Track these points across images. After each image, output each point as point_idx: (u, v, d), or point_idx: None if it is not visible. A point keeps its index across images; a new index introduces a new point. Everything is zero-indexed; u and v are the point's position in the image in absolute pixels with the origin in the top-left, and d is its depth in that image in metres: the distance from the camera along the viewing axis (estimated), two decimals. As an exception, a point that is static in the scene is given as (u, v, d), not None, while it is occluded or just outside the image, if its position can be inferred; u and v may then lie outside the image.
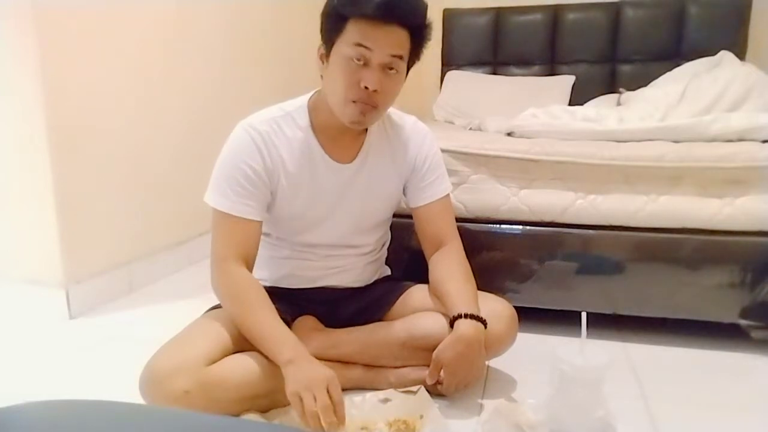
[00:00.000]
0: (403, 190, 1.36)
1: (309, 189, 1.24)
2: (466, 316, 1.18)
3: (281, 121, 1.22)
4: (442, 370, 1.18)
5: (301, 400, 1.00)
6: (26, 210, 1.73)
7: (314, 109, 1.24)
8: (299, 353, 1.08)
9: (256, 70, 2.63)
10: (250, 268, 1.20)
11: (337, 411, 1.01)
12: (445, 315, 1.24)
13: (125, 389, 1.04)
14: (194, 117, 2.25)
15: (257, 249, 1.22)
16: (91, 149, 1.81)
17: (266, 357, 1.12)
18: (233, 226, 1.18)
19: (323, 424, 0.98)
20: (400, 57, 1.13)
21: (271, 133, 1.21)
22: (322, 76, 1.20)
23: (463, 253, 1.34)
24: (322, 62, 1.17)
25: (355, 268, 1.36)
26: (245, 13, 2.53)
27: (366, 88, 1.11)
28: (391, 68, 1.13)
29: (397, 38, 1.12)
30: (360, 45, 1.10)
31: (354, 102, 1.14)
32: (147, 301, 1.90)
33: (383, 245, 1.44)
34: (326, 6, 1.15)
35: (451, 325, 1.19)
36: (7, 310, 1.77)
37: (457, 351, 1.16)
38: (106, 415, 0.46)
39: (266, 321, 1.13)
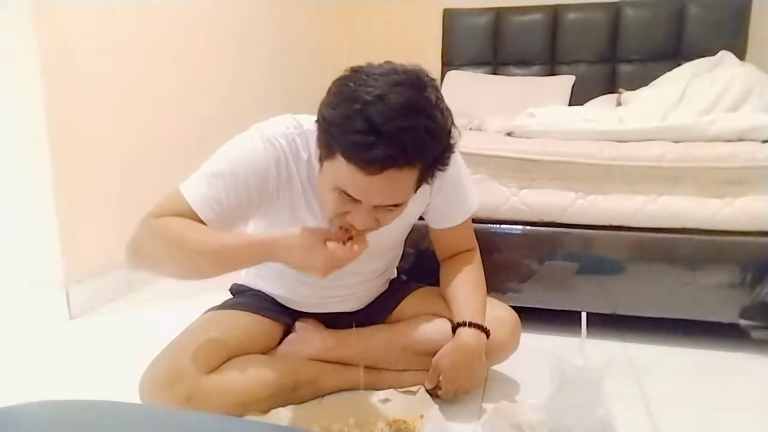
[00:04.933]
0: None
1: (314, 219, 1.12)
2: (469, 324, 1.16)
3: (298, 140, 1.07)
4: (440, 376, 1.17)
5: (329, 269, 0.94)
6: (26, 210, 1.73)
7: None
8: (266, 239, 0.98)
9: (259, 72, 2.63)
10: None
11: (354, 244, 0.95)
12: (448, 319, 1.23)
13: (125, 389, 1.04)
14: (195, 117, 2.25)
15: None
16: (92, 149, 1.81)
17: (282, 361, 1.13)
18: (187, 215, 1.01)
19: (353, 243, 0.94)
20: (402, 202, 0.97)
21: (288, 151, 1.05)
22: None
23: (479, 259, 1.31)
24: (318, 152, 0.98)
25: (364, 294, 1.32)
26: (250, 16, 2.53)
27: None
28: (391, 210, 0.98)
29: (398, 184, 0.91)
30: (347, 194, 0.92)
31: (342, 229, 0.99)
32: (147, 301, 1.90)
33: (395, 259, 1.38)
34: (320, 107, 0.94)
35: (454, 332, 1.18)
36: (7, 310, 1.76)
37: (455, 358, 1.15)
38: (106, 415, 0.46)
39: (217, 237, 0.99)
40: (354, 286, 1.29)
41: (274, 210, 1.11)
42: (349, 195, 0.93)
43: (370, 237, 1.07)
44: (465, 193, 1.24)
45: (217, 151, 1.07)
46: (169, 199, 1.05)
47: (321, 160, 0.97)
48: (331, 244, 0.93)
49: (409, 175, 0.91)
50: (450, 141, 0.94)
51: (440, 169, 0.97)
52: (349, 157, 0.88)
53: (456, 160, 1.19)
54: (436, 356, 1.17)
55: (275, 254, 0.97)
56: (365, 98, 0.86)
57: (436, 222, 1.28)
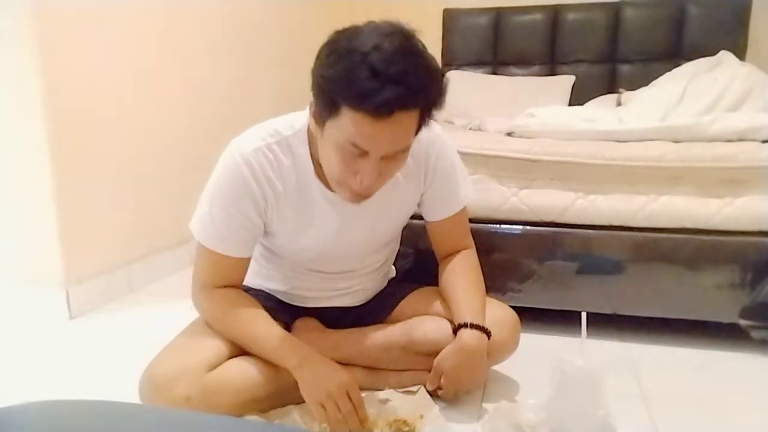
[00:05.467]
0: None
1: (312, 223, 1.16)
2: (470, 326, 1.16)
3: (276, 148, 1.10)
4: (442, 377, 1.17)
5: (324, 408, 1.02)
6: (26, 210, 1.73)
7: (313, 139, 1.09)
8: (304, 355, 1.09)
9: (257, 69, 2.63)
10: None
11: (358, 413, 1.03)
12: (448, 320, 1.24)
13: (125, 389, 1.04)
14: (195, 116, 2.25)
15: (244, 276, 1.20)
16: (92, 149, 1.81)
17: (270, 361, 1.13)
18: (219, 260, 1.13)
19: (349, 428, 1.01)
20: (406, 148, 1.01)
21: (266, 165, 1.09)
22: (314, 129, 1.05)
23: (477, 259, 1.32)
24: (315, 122, 1.01)
25: (363, 287, 1.33)
26: (251, 16, 2.53)
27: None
28: (395, 159, 1.01)
29: (403, 129, 0.96)
30: (356, 145, 0.94)
31: (350, 190, 1.03)
32: (147, 301, 1.90)
33: (393, 253, 1.40)
34: (316, 73, 0.96)
35: (455, 333, 1.18)
36: (7, 310, 1.77)
37: (458, 360, 1.15)
38: (106, 415, 0.46)
39: (261, 329, 1.12)
40: (355, 278, 1.30)
41: (271, 216, 1.14)
42: (357, 148, 0.94)
43: (367, 235, 1.19)
44: (458, 183, 1.26)
45: (208, 182, 1.14)
46: (201, 258, 1.15)
47: (322, 122, 0.98)
48: (333, 413, 1.02)
49: (412, 118, 0.96)
50: (443, 82, 0.98)
51: (437, 109, 1.00)
52: (358, 107, 0.90)
53: (450, 150, 1.24)
54: (438, 358, 1.17)
55: (295, 375, 1.07)
56: (362, 50, 0.90)
57: (431, 213, 1.28)
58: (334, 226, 1.16)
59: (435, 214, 1.28)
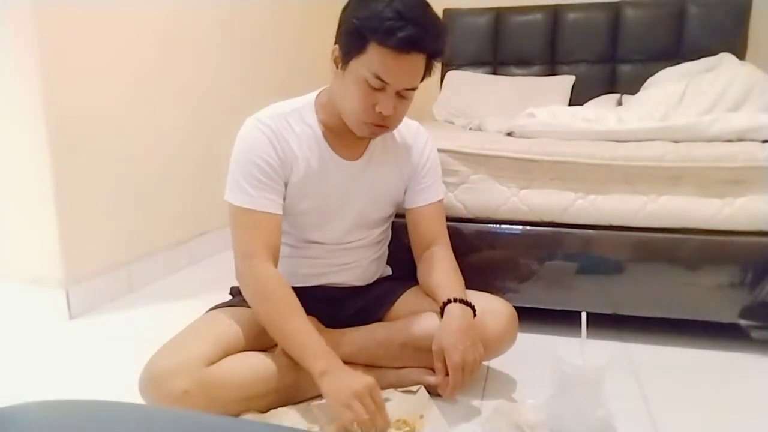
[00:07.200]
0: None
1: (317, 185, 1.25)
2: (455, 300, 1.19)
3: (289, 117, 1.24)
4: (447, 361, 1.14)
5: (349, 408, 1.02)
6: (26, 210, 1.73)
7: (322, 107, 1.25)
8: (333, 363, 1.09)
9: (255, 68, 2.63)
10: (276, 262, 1.20)
11: (380, 414, 1.04)
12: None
13: (125, 389, 1.04)
14: (195, 116, 2.25)
15: (280, 242, 1.23)
16: (91, 149, 1.81)
17: (282, 358, 1.14)
18: (255, 220, 1.18)
19: (375, 427, 1.02)
20: (416, 87, 1.16)
21: (281, 128, 1.22)
22: (333, 76, 1.20)
23: (452, 254, 1.35)
24: (336, 66, 1.17)
25: (359, 265, 1.36)
26: (245, 11, 2.53)
27: (380, 112, 1.14)
28: (406, 97, 1.16)
29: (416, 68, 1.13)
30: (379, 78, 1.10)
31: (367, 123, 1.17)
32: (147, 301, 1.90)
33: (386, 238, 1.44)
34: (346, 17, 1.13)
35: (442, 312, 1.20)
36: (7, 310, 1.77)
37: (453, 329, 1.14)
38: (106, 415, 0.46)
39: (298, 326, 1.13)
40: (350, 253, 1.33)
41: (287, 171, 1.23)
42: (379, 80, 1.10)
43: (365, 204, 1.30)
44: (439, 175, 1.41)
45: (233, 153, 1.22)
46: (235, 225, 1.20)
47: (346, 63, 1.13)
48: (360, 413, 1.03)
49: (422, 62, 1.13)
50: (446, 36, 1.16)
51: (438, 59, 1.16)
52: (385, 42, 1.07)
53: (434, 146, 1.41)
54: (435, 341, 1.15)
55: (319, 380, 1.08)
56: None
57: (414, 198, 1.36)
58: (336, 188, 1.26)
59: (418, 199, 1.36)
